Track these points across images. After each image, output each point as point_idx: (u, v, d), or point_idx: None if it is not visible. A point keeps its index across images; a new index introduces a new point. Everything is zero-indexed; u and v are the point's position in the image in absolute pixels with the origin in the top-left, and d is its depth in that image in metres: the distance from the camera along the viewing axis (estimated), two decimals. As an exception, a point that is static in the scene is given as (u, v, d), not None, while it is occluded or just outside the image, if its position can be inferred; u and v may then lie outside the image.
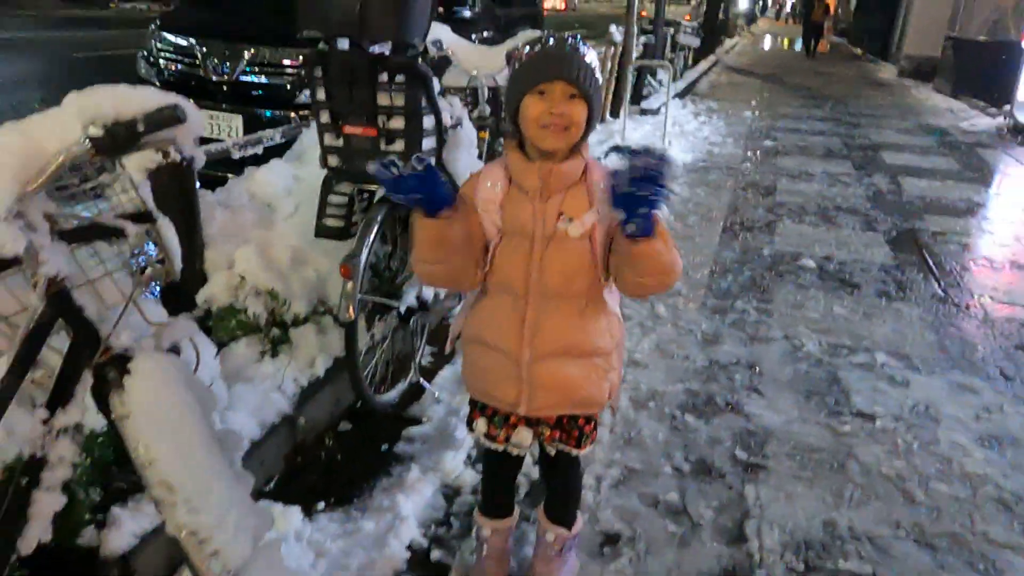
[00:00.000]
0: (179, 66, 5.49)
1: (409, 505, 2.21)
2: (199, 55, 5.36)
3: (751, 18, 27.82)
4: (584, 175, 1.53)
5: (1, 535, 1.23)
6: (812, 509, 2.32)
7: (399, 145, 2.22)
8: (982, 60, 11.85)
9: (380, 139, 2.20)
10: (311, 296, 2.80)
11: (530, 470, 2.40)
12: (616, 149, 1.45)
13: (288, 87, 5.25)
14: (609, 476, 2.43)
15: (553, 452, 1.74)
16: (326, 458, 2.49)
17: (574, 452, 1.73)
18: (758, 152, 7.55)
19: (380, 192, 2.46)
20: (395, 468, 2.42)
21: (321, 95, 2.19)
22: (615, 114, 8.12)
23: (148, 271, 1.47)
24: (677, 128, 8.26)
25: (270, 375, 2.51)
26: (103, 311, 1.38)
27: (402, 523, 2.12)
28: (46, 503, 1.29)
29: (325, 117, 2.22)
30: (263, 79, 5.34)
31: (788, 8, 47.82)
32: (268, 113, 5.21)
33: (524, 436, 1.70)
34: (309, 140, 3.39)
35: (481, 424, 1.74)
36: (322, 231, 2.57)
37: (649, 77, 10.20)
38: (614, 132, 7.33)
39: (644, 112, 8.91)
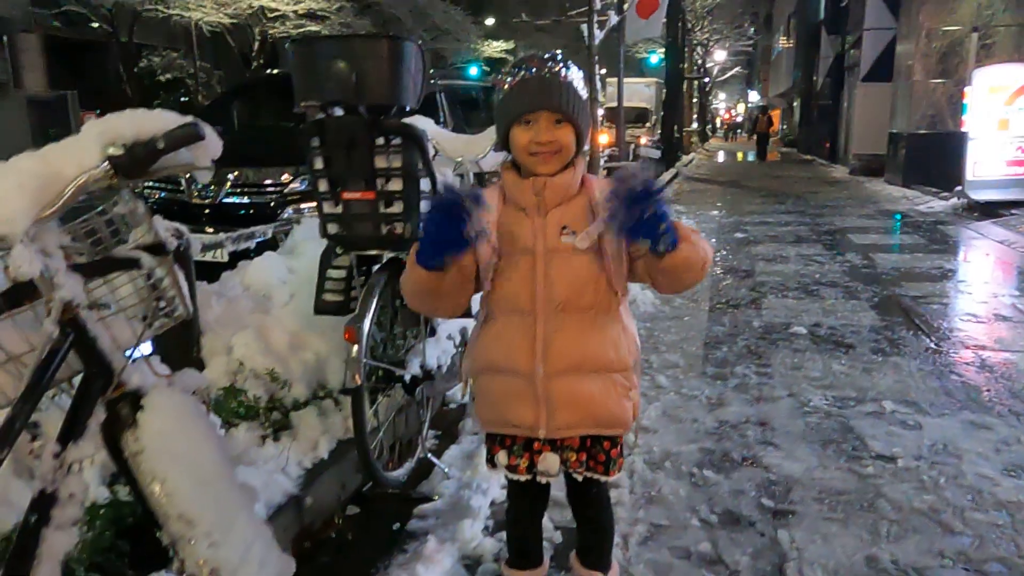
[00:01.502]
0: (162, 193, 5.60)
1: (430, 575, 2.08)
2: (182, 180, 5.49)
3: (703, 136, 29.38)
4: (583, 188, 1.55)
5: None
6: (851, 547, 2.22)
7: (398, 207, 2.26)
8: (928, 150, 12.53)
9: (379, 202, 2.24)
10: (311, 380, 2.74)
11: (551, 535, 2.28)
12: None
13: (271, 205, 5.36)
14: (636, 533, 2.32)
15: (581, 479, 1.66)
16: (336, 540, 2.35)
17: (602, 478, 1.66)
18: (731, 243, 7.76)
19: (383, 259, 2.47)
20: (410, 544, 2.29)
21: (319, 164, 2.24)
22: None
23: (161, 309, 1.44)
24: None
25: (272, 457, 2.41)
26: (115, 348, 1.34)
27: (424, 593, 1.99)
28: (57, 542, 1.19)
29: (324, 185, 2.27)
30: (246, 199, 5.46)
31: (737, 127, 50.72)
32: (251, 246, 5.28)
33: (551, 462, 1.62)
34: (301, 235, 3.44)
35: (502, 456, 1.66)
36: (321, 307, 2.55)
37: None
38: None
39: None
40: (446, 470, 2.67)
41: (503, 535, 2.29)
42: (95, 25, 18.53)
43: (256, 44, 19.98)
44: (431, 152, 2.39)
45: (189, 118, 1.28)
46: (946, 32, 12.85)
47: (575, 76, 1.52)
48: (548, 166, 1.50)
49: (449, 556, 2.19)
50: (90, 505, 1.72)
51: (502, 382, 1.59)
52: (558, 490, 1.87)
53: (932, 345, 4.15)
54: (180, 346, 2.35)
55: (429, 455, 2.69)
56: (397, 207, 2.25)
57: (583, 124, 1.52)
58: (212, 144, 1.31)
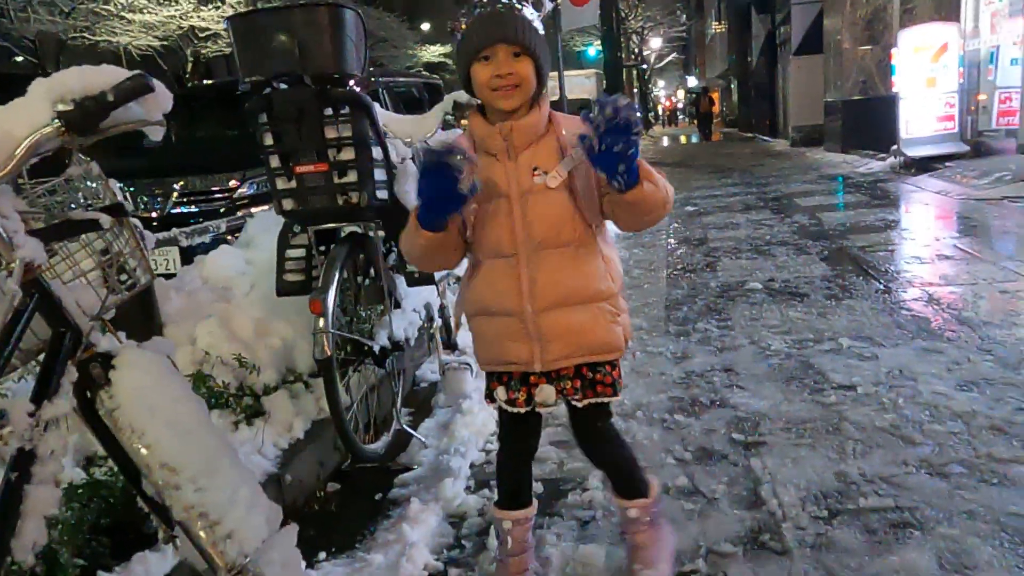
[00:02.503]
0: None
1: (416, 534, 2.10)
2: (127, 196, 5.40)
3: (647, 124, 29.79)
4: (551, 127, 1.58)
5: (-6, 534, 1.13)
6: (821, 466, 2.31)
7: (352, 176, 2.27)
8: (862, 115, 12.91)
9: (332, 173, 2.25)
10: (280, 365, 2.74)
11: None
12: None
13: (221, 211, 5.30)
14: (614, 476, 2.36)
15: (582, 405, 1.67)
16: (320, 513, 2.35)
17: (607, 399, 1.67)
18: (683, 216, 7.90)
19: (341, 233, 2.48)
20: (393, 510, 2.31)
21: (269, 140, 2.25)
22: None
23: (124, 275, 1.44)
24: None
25: (248, 440, 2.41)
26: (80, 312, 1.34)
27: (413, 549, 2.01)
28: (39, 498, 1.18)
29: (275, 161, 2.27)
30: (194, 208, 5.39)
31: (679, 114, 51.46)
32: (204, 241, 5.22)
33: (547, 392, 1.66)
34: (255, 228, 3.42)
35: (500, 392, 1.70)
36: (284, 288, 2.55)
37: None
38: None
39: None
40: (423, 440, 2.69)
41: (485, 492, 2.34)
42: (19, 59, 18.01)
43: (189, 64, 19.65)
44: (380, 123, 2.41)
45: (136, 72, 1.28)
46: (869, 0, 13.26)
47: (530, 13, 1.54)
48: (511, 100, 1.52)
49: (433, 515, 2.21)
50: (67, 487, 1.70)
51: (495, 323, 1.63)
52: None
53: (882, 286, 4.30)
54: (142, 315, 2.33)
55: (405, 426, 2.70)
56: (351, 176, 2.27)
57: (542, 58, 1.54)
58: (162, 97, 1.31)
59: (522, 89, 1.52)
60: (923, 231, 6.00)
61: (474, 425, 2.74)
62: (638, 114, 1.44)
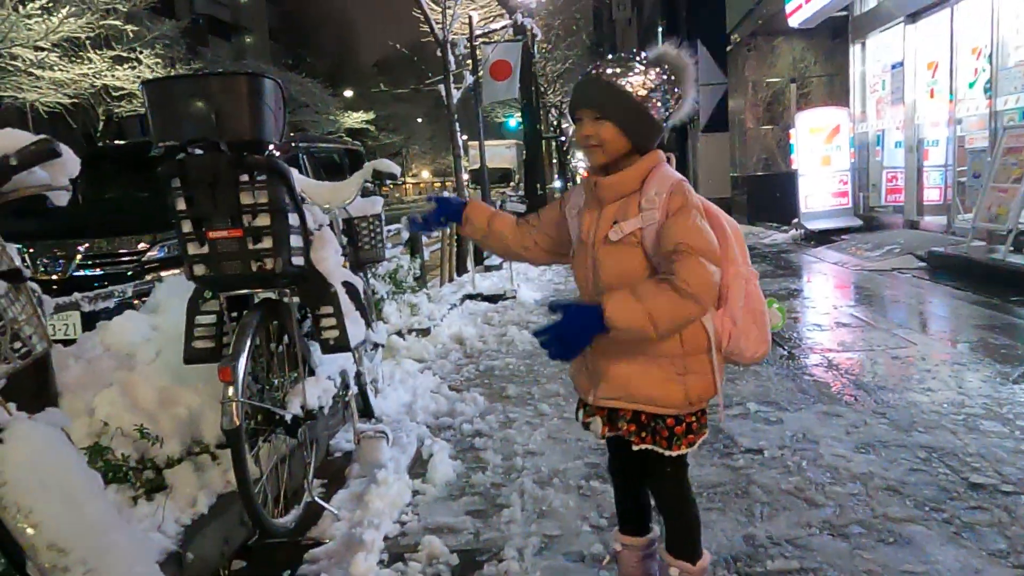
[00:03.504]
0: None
1: (326, 613, 2.01)
2: (25, 258, 5.15)
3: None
4: (644, 185, 1.66)
5: None
6: (731, 529, 2.36)
7: (267, 243, 2.25)
8: (766, 190, 13.69)
9: (247, 239, 2.23)
10: (184, 435, 2.62)
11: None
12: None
13: (128, 275, 5.10)
14: (531, 545, 2.35)
15: (637, 448, 1.73)
16: (223, 594, 2.24)
17: (661, 451, 1.71)
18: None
19: (255, 299, 2.44)
20: (303, 588, 2.22)
21: (181, 204, 2.21)
22: (461, 272, 8.51)
23: (18, 344, 1.38)
24: (522, 276, 8.73)
25: (148, 516, 2.28)
26: (-33, 383, 1.27)
27: (322, 629, 1.92)
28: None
29: (187, 226, 2.23)
30: (99, 271, 5.18)
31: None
32: (108, 306, 5.00)
33: (596, 425, 1.77)
34: (164, 293, 3.31)
35: (580, 414, 1.85)
36: (192, 355, 2.47)
37: (486, 240, 10.84)
38: (465, 283, 7.64)
39: (488, 269, 9.37)
40: (335, 512, 2.60)
41: (400, 566, 2.29)
42: (-84, 112, 17.18)
43: (101, 123, 19.15)
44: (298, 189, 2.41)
45: (43, 136, 1.26)
46: (769, 84, 14.24)
47: (623, 76, 1.62)
48: (594, 158, 1.68)
49: (345, 593, 2.14)
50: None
51: None
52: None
53: (786, 352, 4.50)
54: (36, 384, 2.20)
55: (317, 498, 2.62)
56: (266, 243, 2.25)
57: (626, 120, 1.63)
58: (69, 162, 1.29)
59: (605, 149, 1.66)
60: (823, 300, 6.34)
61: (388, 496, 2.68)
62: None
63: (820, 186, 10.70)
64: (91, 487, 1.29)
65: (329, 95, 31.74)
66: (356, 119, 33.04)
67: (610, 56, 1.70)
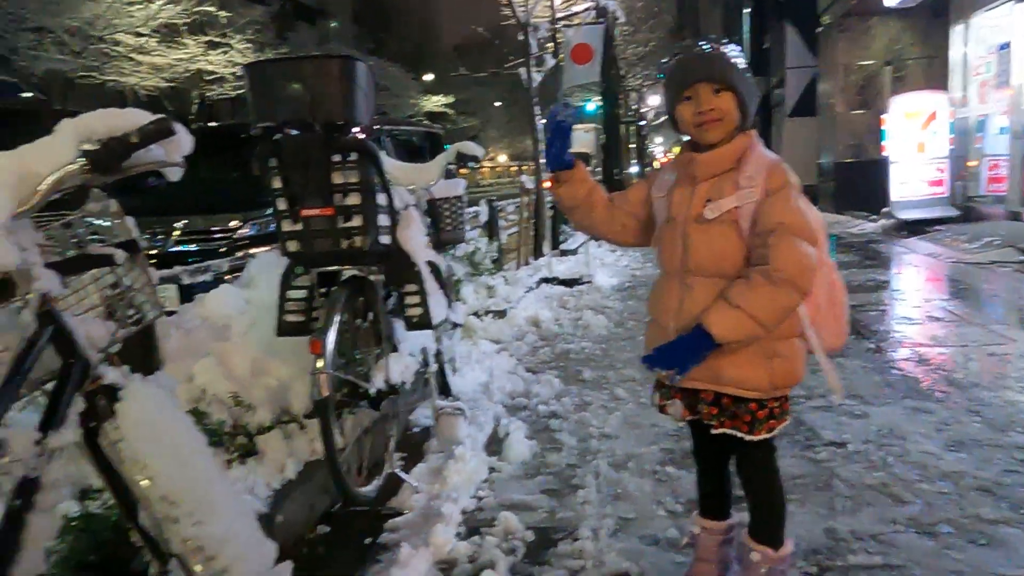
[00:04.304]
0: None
1: (405, 579, 2.09)
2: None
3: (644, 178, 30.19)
4: (740, 163, 1.64)
5: (-6, 561, 1.14)
6: (810, 522, 2.32)
7: (356, 221, 2.32)
8: (855, 177, 13.17)
9: (337, 217, 2.31)
10: (274, 404, 2.74)
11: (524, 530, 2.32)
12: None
13: (220, 251, 5.34)
14: (605, 526, 2.37)
15: (717, 432, 1.72)
16: (308, 557, 2.34)
17: (741, 435, 1.69)
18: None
19: (343, 276, 2.52)
20: (383, 555, 2.30)
21: (277, 183, 2.31)
22: (538, 255, 8.53)
23: (133, 309, 1.48)
24: (598, 261, 8.69)
25: (240, 479, 2.41)
26: (90, 344, 1.37)
27: (401, 595, 2.00)
28: (40, 528, 1.20)
29: (283, 204, 2.33)
30: (194, 247, 5.44)
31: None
32: (205, 280, 5.24)
33: (676, 408, 1.75)
34: (256, 268, 3.46)
35: (655, 396, 1.83)
36: (284, 328, 2.58)
37: (564, 225, 10.82)
38: (541, 267, 7.66)
39: (564, 253, 9.36)
40: (415, 484, 2.68)
41: (476, 539, 2.33)
42: (27, 95, 18.25)
43: (195, 106, 19.98)
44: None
45: (161, 116, 1.34)
46: (862, 67, 13.64)
47: (732, 51, 1.65)
48: (714, 133, 1.64)
49: (424, 561, 2.20)
50: (61, 519, 1.70)
51: (653, 330, 1.79)
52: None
53: (872, 346, 4.35)
54: (144, 350, 2.34)
55: (397, 471, 2.70)
56: (356, 221, 2.32)
57: (744, 91, 1.63)
58: (183, 140, 1.37)
59: (724, 122, 1.64)
60: (914, 292, 6.09)
61: (466, 471, 2.74)
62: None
63: (914, 174, 10.21)
64: (198, 446, 1.38)
65: (410, 79, 32.18)
66: (435, 102, 33.42)
67: (702, 39, 1.70)
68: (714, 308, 1.59)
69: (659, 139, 45.72)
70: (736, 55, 1.65)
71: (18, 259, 1.21)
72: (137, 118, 1.32)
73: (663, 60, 1.75)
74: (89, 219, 1.44)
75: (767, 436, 1.72)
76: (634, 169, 30.73)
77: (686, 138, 1.75)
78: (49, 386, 1.31)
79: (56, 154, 1.28)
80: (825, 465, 2.72)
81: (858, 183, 12.82)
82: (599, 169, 21.15)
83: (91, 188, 1.41)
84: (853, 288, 6.26)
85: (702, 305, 1.64)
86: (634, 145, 31.10)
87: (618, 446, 3.05)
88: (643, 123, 30.26)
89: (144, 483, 1.28)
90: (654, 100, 27.78)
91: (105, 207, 1.44)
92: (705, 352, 1.60)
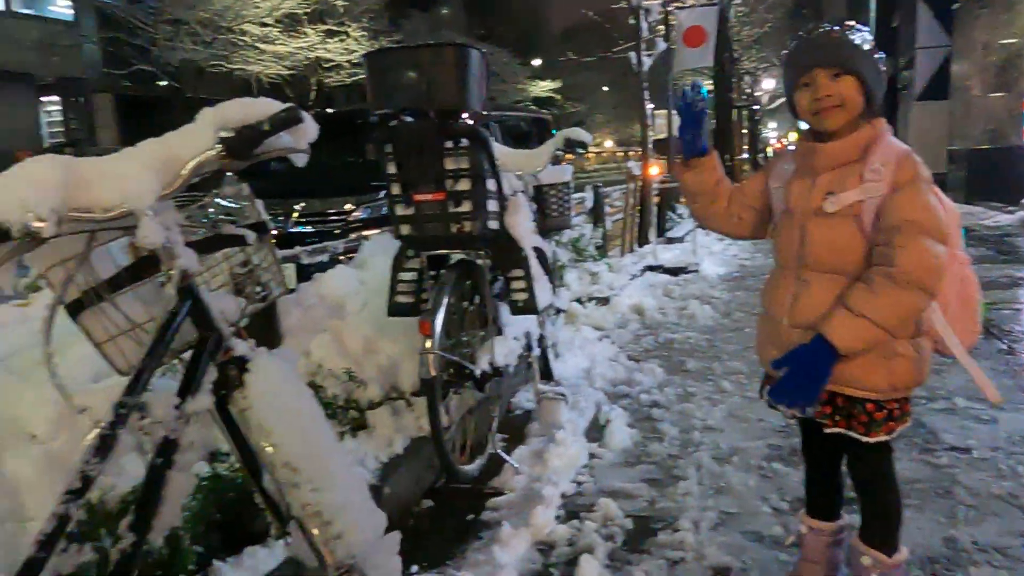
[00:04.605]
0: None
1: (506, 557, 2.14)
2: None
3: (755, 165, 29.18)
4: (866, 154, 1.56)
5: (139, 512, 1.25)
6: (928, 529, 2.21)
7: (466, 206, 2.38)
8: (990, 166, 12.24)
9: (448, 202, 2.37)
10: (384, 381, 2.86)
11: (623, 522, 2.32)
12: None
13: (335, 233, 5.57)
14: (707, 519, 2.34)
15: (828, 431, 1.65)
16: (413, 528, 2.43)
17: (856, 436, 1.62)
18: (789, 261, 7.69)
19: (452, 259, 2.59)
20: (484, 532, 2.36)
21: (392, 168, 2.39)
22: (643, 243, 8.42)
23: (261, 286, 1.58)
24: (705, 250, 8.48)
25: (351, 451, 2.52)
26: (222, 318, 1.47)
27: (501, 571, 2.06)
28: (177, 485, 1.31)
29: (396, 189, 2.41)
30: (311, 229, 5.70)
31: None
32: (322, 260, 5.49)
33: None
34: (369, 250, 3.60)
35: (765, 391, 1.77)
36: (394, 308, 2.68)
37: (670, 212, 10.63)
38: (646, 255, 7.56)
39: (671, 241, 9.21)
40: (516, 465, 2.73)
41: (575, 523, 2.35)
42: (162, 83, 19.57)
43: (313, 93, 20.82)
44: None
45: (290, 104, 1.42)
46: (1003, 45, 12.62)
47: (854, 33, 1.57)
48: (833, 120, 1.56)
49: (523, 541, 2.25)
50: (195, 478, 1.84)
51: (765, 324, 1.76)
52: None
53: (1005, 347, 4.06)
54: (267, 325, 2.50)
55: (499, 451, 2.76)
56: (466, 206, 2.38)
57: (868, 74, 1.54)
58: (310, 128, 1.44)
59: (845, 109, 1.56)
60: (1054, 291, 5.62)
61: (566, 456, 2.77)
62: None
63: (1060, 162, 9.39)
64: (317, 417, 1.46)
65: (518, 64, 32.32)
66: (543, 88, 33.43)
67: (823, 23, 1.62)
68: (835, 317, 1.51)
69: (773, 124, 44.01)
70: (860, 37, 1.57)
71: (163, 238, 1.31)
72: (268, 107, 1.40)
73: (784, 52, 1.67)
74: (223, 201, 1.54)
75: (885, 438, 1.64)
76: (745, 155, 29.72)
77: (805, 125, 1.69)
78: (186, 356, 1.42)
79: (196, 141, 1.37)
80: (946, 471, 2.58)
81: (993, 172, 11.92)
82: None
83: (225, 172, 1.50)
84: (986, 285, 5.81)
85: (818, 301, 1.58)
86: (746, 131, 30.05)
87: (722, 439, 2.99)
88: (757, 108, 29.17)
89: (268, 449, 1.36)
90: (769, 84, 26.73)
91: (238, 190, 1.53)
92: (828, 367, 1.53)
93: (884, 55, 1.61)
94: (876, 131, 1.59)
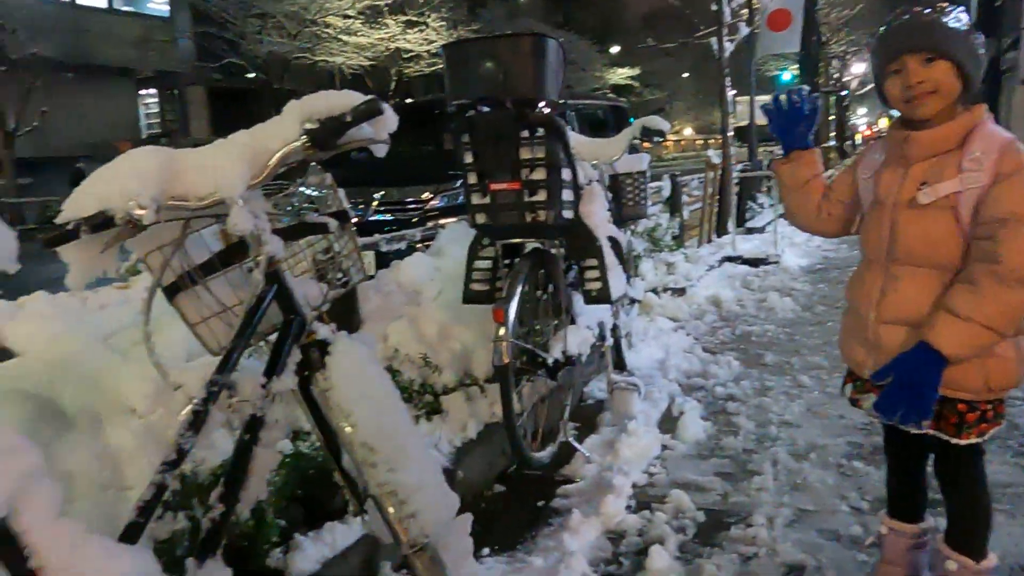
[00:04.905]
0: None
1: (575, 544, 2.15)
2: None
3: (842, 153, 28.10)
4: (965, 143, 1.49)
5: (228, 485, 1.32)
6: (1020, 535, 2.11)
7: (541, 195, 2.39)
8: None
9: (523, 191, 2.39)
10: (458, 367, 2.91)
11: (694, 514, 2.30)
12: None
13: (413, 221, 5.68)
14: (782, 515, 2.29)
15: (917, 432, 1.58)
16: (485, 512, 2.47)
17: (946, 437, 1.56)
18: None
19: (526, 248, 2.62)
20: (555, 518, 2.38)
21: (468, 158, 2.42)
22: (721, 233, 8.25)
23: (342, 272, 1.63)
24: (787, 240, 8.24)
25: (426, 435, 2.58)
26: (306, 302, 1.54)
27: (571, 557, 2.07)
28: (263, 460, 1.38)
29: (473, 178, 2.44)
30: (390, 217, 5.82)
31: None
32: (400, 248, 5.61)
33: (869, 402, 1.64)
34: (446, 238, 3.66)
35: (848, 389, 1.75)
36: (469, 296, 2.72)
37: (750, 201, 10.36)
38: (724, 245, 7.41)
39: (750, 231, 8.98)
40: (588, 454, 2.74)
41: (646, 513, 2.35)
42: (251, 75, 20.30)
43: (393, 83, 21.19)
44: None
45: (371, 96, 1.46)
46: (1121, 24, 11.73)
47: (947, 14, 1.49)
48: (927, 107, 1.49)
49: (593, 529, 2.26)
50: (279, 455, 1.93)
51: (850, 319, 1.71)
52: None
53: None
54: (347, 310, 2.59)
55: (571, 440, 2.78)
56: (541, 195, 2.39)
57: (964, 59, 1.47)
58: (390, 119, 1.48)
59: (940, 95, 1.48)
60: None
61: (638, 446, 2.76)
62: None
63: None
64: (394, 400, 1.51)
65: (596, 52, 32.04)
66: (621, 75, 33.04)
67: (916, 5, 1.53)
68: (940, 323, 1.44)
69: (862, 111, 42.23)
70: (954, 18, 1.48)
71: (251, 225, 1.38)
72: (350, 99, 1.44)
73: (871, 33, 1.61)
74: (307, 190, 1.60)
75: (976, 441, 1.57)
76: (831, 143, 28.66)
77: (896, 113, 1.62)
78: (272, 338, 1.49)
79: (283, 132, 1.44)
80: (1043, 476, 2.45)
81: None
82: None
83: (310, 162, 1.56)
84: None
85: (907, 297, 1.52)
86: (833, 117, 28.96)
87: (800, 435, 2.92)
88: (845, 93, 28.05)
89: (348, 429, 1.42)
90: (859, 68, 25.66)
91: (321, 180, 1.59)
92: (937, 375, 1.45)
93: (983, 36, 1.52)
94: (975, 118, 1.50)
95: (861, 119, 43.35)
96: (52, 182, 13.53)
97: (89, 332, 2.11)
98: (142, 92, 21.84)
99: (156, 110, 22.65)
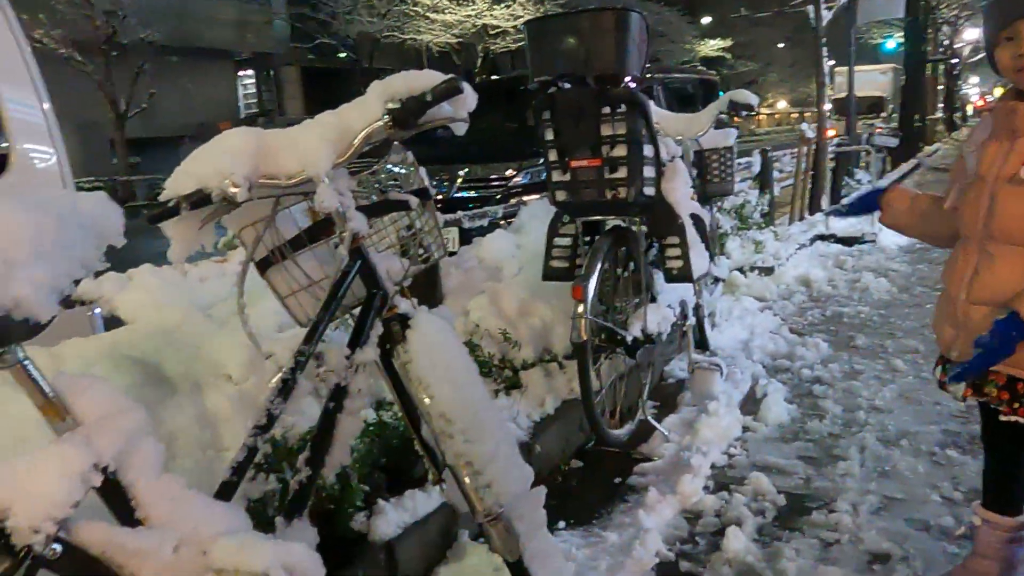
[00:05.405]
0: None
1: (651, 522, 2.16)
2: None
3: (951, 125, 26.44)
4: None
5: (314, 450, 1.40)
6: None
7: (622, 172, 2.37)
8: None
9: (604, 168, 2.38)
10: (537, 343, 2.94)
11: (775, 498, 2.27)
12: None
13: (497, 198, 5.72)
14: (867, 502, 2.23)
15: (1002, 419, 1.54)
16: (562, 486, 2.51)
17: None
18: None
19: (606, 225, 2.61)
20: (631, 496, 2.39)
21: (549, 135, 2.43)
22: (814, 210, 7.95)
23: (423, 248, 1.68)
24: (885, 218, 7.88)
25: (505, 408, 2.63)
26: (388, 277, 1.59)
27: (646, 534, 2.07)
28: (347, 427, 1.44)
29: (553, 155, 2.45)
30: (474, 193, 5.88)
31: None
32: (482, 224, 5.67)
33: (956, 388, 1.60)
34: (527, 215, 3.69)
35: (938, 371, 1.70)
36: (549, 273, 2.74)
37: (847, 178, 9.93)
38: (816, 223, 7.15)
39: (846, 208, 8.61)
40: (666, 433, 2.73)
41: (724, 495, 2.33)
42: (342, 55, 20.76)
43: (479, 60, 21.26)
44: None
45: (451, 76, 1.49)
46: None
47: None
48: None
49: (670, 507, 2.26)
50: (363, 423, 2.01)
51: (941, 299, 1.68)
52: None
53: None
54: (428, 285, 2.66)
55: (650, 418, 2.77)
56: (621, 172, 2.37)
57: None
58: (469, 98, 1.50)
59: None
60: None
61: (718, 427, 2.73)
62: None
63: None
64: (472, 373, 1.54)
65: (686, 23, 31.15)
66: (712, 47, 32.04)
67: None
68: None
69: (975, 80, 39.55)
70: None
71: (337, 202, 1.43)
72: (431, 79, 1.47)
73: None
74: (389, 168, 1.65)
75: None
76: (939, 114, 27.00)
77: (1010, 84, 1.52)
78: (356, 311, 1.55)
79: (366, 112, 1.48)
80: None
81: None
82: (895, 115, 18.92)
83: (392, 141, 1.61)
84: None
85: (1001, 278, 1.45)
86: (942, 87, 27.25)
87: (890, 421, 2.82)
88: (955, 61, 26.31)
89: (427, 401, 1.47)
90: (972, 34, 23.97)
91: (403, 158, 1.64)
92: (1012, 348, 1.40)
93: None
94: None
95: (973, 89, 40.62)
96: (159, 160, 14.33)
97: (190, 303, 2.25)
98: (240, 73, 22.73)
99: (253, 91, 23.54)
